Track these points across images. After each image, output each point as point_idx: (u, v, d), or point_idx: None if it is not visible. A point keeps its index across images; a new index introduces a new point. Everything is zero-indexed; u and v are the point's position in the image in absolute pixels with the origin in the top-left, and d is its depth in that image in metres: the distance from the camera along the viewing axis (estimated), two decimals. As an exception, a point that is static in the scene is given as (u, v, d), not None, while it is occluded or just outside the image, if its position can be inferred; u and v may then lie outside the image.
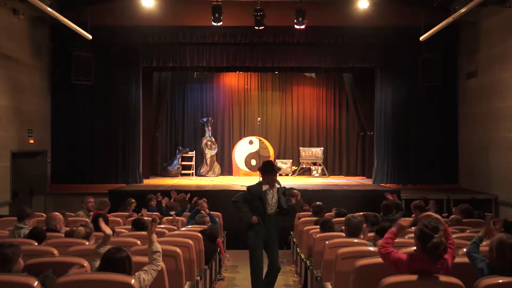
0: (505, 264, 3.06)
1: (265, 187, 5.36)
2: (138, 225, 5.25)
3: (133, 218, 5.75)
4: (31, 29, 10.12)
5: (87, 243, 4.30)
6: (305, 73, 13.96)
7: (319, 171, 13.53)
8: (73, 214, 6.82)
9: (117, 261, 3.04)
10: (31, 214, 5.32)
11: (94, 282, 2.93)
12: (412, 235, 4.38)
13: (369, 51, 11.26)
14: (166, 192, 8.90)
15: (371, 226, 5.02)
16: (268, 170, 5.44)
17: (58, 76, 10.95)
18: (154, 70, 12.42)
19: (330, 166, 14.08)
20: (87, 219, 6.14)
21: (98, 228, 4.86)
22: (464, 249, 3.63)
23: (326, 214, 7.32)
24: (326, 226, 5.23)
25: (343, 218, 5.97)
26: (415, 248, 3.27)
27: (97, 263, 3.22)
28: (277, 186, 5.47)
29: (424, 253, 3.08)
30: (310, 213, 7.19)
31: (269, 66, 11.64)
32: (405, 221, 3.54)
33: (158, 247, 3.39)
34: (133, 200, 7.66)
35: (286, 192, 5.58)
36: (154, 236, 3.48)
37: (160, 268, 3.31)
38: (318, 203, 7.07)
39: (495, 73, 9.55)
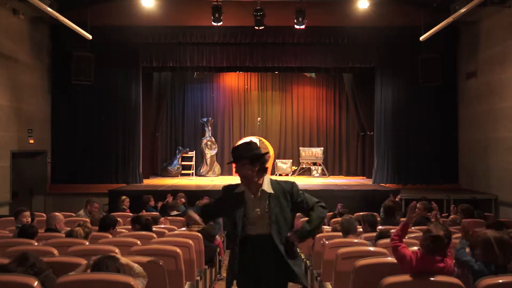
0: (494, 259, 3.09)
1: (242, 189, 3.13)
2: (141, 222, 5.24)
3: (135, 215, 5.75)
4: (31, 29, 10.12)
5: (87, 243, 4.30)
6: (305, 73, 13.96)
7: (319, 171, 13.53)
8: (73, 214, 6.82)
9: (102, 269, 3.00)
10: (21, 211, 5.47)
11: (94, 282, 2.92)
12: (413, 235, 4.39)
13: (369, 51, 11.26)
14: (166, 192, 8.93)
15: (370, 226, 5.02)
16: (234, 157, 3.10)
17: (58, 76, 10.96)
18: (154, 70, 12.42)
19: (330, 166, 14.08)
20: (87, 219, 6.15)
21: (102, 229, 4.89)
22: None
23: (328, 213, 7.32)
24: None
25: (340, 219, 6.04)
26: (418, 248, 3.29)
27: None
28: (267, 190, 3.06)
29: (428, 254, 3.10)
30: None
31: (269, 66, 11.64)
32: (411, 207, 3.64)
33: (136, 268, 3.17)
34: (124, 197, 7.69)
35: (296, 198, 3.09)
36: (129, 262, 3.20)
37: (146, 282, 3.18)
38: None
39: (495, 73, 9.55)
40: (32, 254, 3.14)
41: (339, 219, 6.17)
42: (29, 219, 5.43)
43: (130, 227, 5.42)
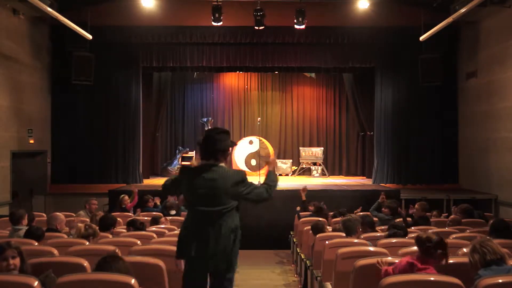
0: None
1: None
2: (136, 225, 5.25)
3: (130, 219, 5.75)
4: (31, 29, 10.12)
5: (87, 243, 4.30)
6: (305, 73, 13.96)
7: (319, 171, 13.53)
8: (73, 214, 6.83)
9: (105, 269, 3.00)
10: (23, 214, 5.34)
11: (94, 282, 2.92)
12: (413, 235, 4.40)
13: (369, 51, 11.26)
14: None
15: (369, 227, 5.03)
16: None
17: (58, 76, 10.95)
18: (154, 70, 12.40)
19: (330, 166, 14.07)
20: (87, 219, 6.15)
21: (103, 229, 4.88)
22: (464, 249, 3.63)
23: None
24: (317, 228, 5.32)
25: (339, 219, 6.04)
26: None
27: None
28: None
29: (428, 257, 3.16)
30: (310, 212, 7.20)
31: (269, 66, 11.63)
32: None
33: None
34: (123, 195, 7.72)
35: None
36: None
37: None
38: (317, 203, 7.10)
39: (495, 73, 9.55)
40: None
41: (339, 219, 6.18)
42: (26, 222, 5.39)
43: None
